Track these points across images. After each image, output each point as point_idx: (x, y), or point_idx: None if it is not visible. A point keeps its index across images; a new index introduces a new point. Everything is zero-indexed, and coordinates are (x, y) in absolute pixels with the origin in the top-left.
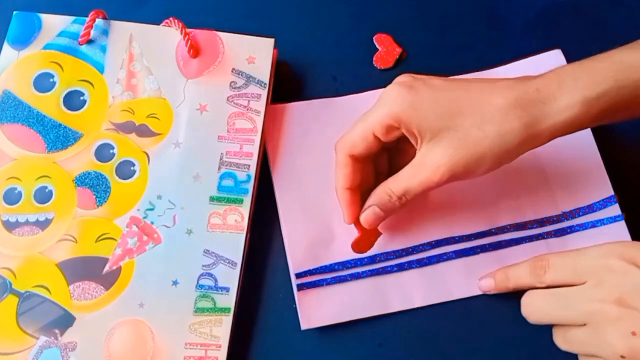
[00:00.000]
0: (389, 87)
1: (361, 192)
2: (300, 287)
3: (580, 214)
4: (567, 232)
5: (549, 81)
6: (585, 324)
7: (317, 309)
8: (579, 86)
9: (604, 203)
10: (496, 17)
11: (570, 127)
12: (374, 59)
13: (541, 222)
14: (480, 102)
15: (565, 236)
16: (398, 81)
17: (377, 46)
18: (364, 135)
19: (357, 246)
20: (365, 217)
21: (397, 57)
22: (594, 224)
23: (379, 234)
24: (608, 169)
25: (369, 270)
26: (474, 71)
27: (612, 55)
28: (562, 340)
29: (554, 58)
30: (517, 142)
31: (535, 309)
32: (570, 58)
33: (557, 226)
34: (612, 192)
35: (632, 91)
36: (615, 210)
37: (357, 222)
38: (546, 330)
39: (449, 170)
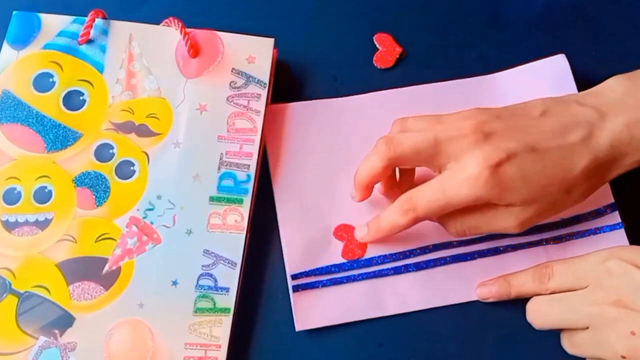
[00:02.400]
0: (476, 167)
1: None
2: (296, 288)
3: (580, 221)
4: (566, 239)
5: (613, 150)
6: (587, 327)
7: (313, 311)
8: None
9: (604, 211)
10: (497, 16)
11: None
12: (374, 58)
13: (540, 229)
14: (563, 173)
15: (564, 243)
16: (487, 158)
17: (377, 46)
18: (436, 205)
19: (346, 254)
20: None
21: (398, 56)
22: (593, 232)
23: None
24: None
25: (365, 273)
26: (474, 73)
27: None
28: (569, 344)
29: (557, 64)
30: (590, 193)
31: (539, 314)
32: (572, 58)
33: (556, 233)
34: (612, 200)
35: None
36: (615, 218)
37: (339, 236)
38: (546, 331)
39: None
